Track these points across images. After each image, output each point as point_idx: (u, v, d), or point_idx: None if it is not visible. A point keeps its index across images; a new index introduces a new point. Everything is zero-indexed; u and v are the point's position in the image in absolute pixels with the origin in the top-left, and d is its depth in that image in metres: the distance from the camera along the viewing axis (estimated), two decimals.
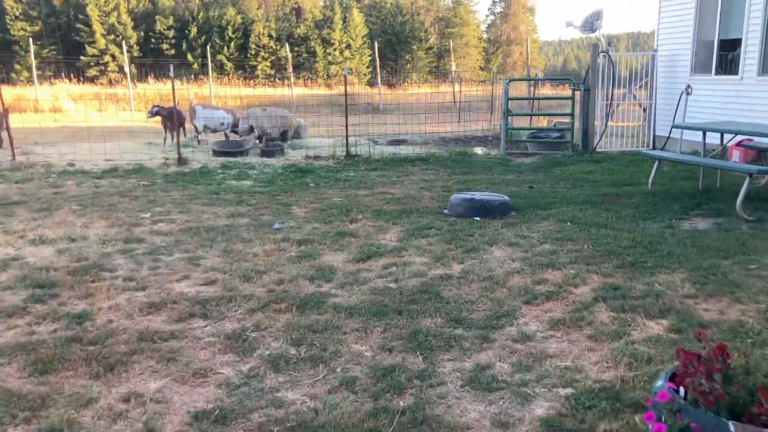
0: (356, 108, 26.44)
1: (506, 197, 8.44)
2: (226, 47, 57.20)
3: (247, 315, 5.10)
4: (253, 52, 57.62)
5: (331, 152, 13.17)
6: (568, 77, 14.84)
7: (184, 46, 57.81)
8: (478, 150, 14.78)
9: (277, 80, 45.27)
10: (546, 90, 25.64)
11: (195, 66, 55.56)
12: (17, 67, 52.46)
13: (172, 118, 14.25)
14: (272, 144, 13.84)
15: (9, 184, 10.50)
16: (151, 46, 58.59)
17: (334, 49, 58.02)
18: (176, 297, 5.47)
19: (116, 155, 13.11)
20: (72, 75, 47.43)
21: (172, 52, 58.46)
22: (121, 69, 52.31)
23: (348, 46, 58.84)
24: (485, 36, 72.07)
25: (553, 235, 7.09)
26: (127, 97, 27.93)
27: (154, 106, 14.78)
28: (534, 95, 17.62)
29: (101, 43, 55.09)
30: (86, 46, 54.93)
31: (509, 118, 14.28)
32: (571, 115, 13.78)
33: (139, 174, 11.48)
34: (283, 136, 14.66)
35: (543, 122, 18.47)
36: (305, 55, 58.54)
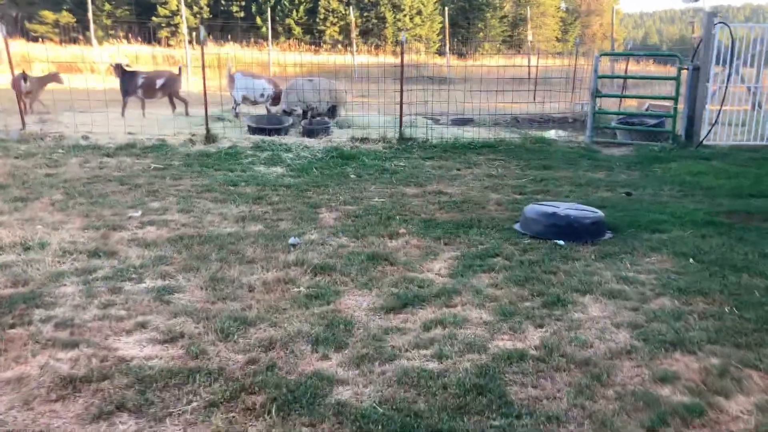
0: (420, 80, 24.26)
1: (599, 213, 6.24)
2: (294, 11, 55.48)
3: (201, 415, 3.20)
4: (321, 16, 55.71)
5: (383, 134, 11.09)
6: (674, 53, 12.22)
7: (254, 8, 56.37)
8: (557, 134, 12.46)
9: (340, 47, 43.25)
10: (633, 67, 22.76)
11: (264, 29, 54.11)
12: (93, 26, 52.19)
13: (151, 88, 12.49)
14: (317, 122, 11.87)
15: (5, 160, 8.91)
16: (221, 8, 57.45)
17: (404, 15, 55.43)
18: (111, 367, 3.62)
19: (142, 127, 11.42)
20: (142, 36, 46.70)
21: (242, 14, 57.17)
22: (191, 31, 51.33)
23: (419, 12, 56.12)
24: (563, 5, 67.87)
25: (672, 282, 4.90)
26: (185, 60, 26.46)
27: (117, 66, 13.05)
28: (624, 73, 15.01)
29: (173, 3, 54.22)
30: (158, 6, 54.20)
31: (597, 99, 11.83)
32: (675, 98, 11.25)
33: (157, 152, 9.74)
34: (332, 112, 12.65)
35: (631, 104, 15.81)
36: (374, 20, 56.21)
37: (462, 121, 13.80)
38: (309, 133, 11.42)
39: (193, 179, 8.13)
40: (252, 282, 4.86)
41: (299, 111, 12.03)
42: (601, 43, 60.53)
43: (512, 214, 6.83)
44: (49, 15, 51.05)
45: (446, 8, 36.56)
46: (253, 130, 11.20)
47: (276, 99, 12.75)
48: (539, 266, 5.23)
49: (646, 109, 13.35)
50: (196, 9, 54.73)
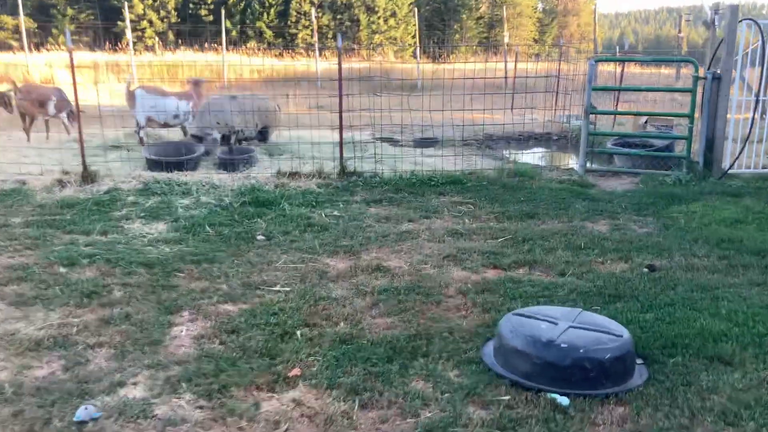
0: (389, 85, 21.60)
1: (624, 334, 3.63)
2: (265, 14, 52.63)
3: None
4: (293, 19, 52.89)
5: (319, 166, 8.39)
6: (689, 58, 9.58)
7: (223, 11, 53.44)
8: (540, 159, 9.89)
9: (309, 52, 40.42)
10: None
11: (234, 33, 51.27)
12: (54, 31, 49.07)
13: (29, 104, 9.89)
14: (239, 149, 9.19)
15: None
16: (189, 11, 54.45)
17: (378, 17, 52.78)
18: None
19: (26, 160, 8.68)
20: (108, 42, 43.69)
21: (210, 18, 54.22)
22: (159, 35, 48.50)
23: (393, 14, 53.50)
24: (540, 6, 65.57)
25: None
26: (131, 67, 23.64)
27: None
28: (619, 82, 12.45)
29: (138, 8, 51.18)
30: (122, 10, 51.13)
31: (591, 117, 9.23)
32: (690, 115, 8.69)
33: (2, 202, 6.99)
34: (263, 134, 9.93)
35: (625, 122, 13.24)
36: (348, 23, 53.52)
37: (425, 142, 11.19)
38: (226, 165, 8.73)
39: (13, 254, 5.42)
40: None
41: (215, 136, 9.32)
42: (579, 43, 58.32)
43: (481, 319, 4.23)
44: (8, 20, 47.81)
45: (418, 10, 33.94)
46: (151, 164, 8.47)
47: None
48: None
49: (644, 126, 10.82)
50: (163, 13, 51.69)
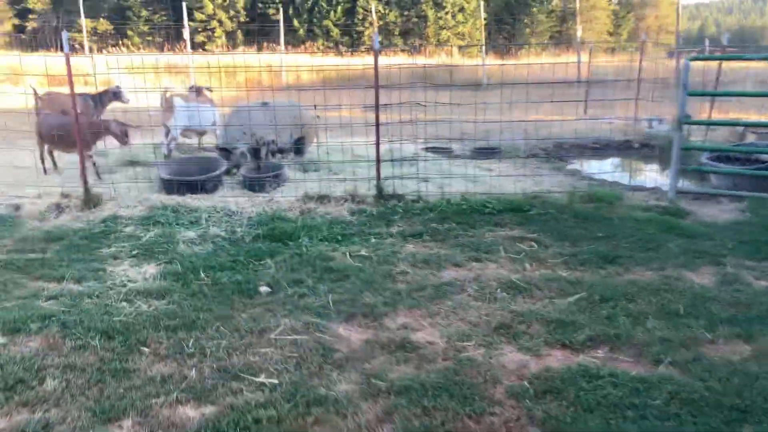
0: (452, 85, 20.09)
1: None
2: (332, 12, 51.78)
3: None
4: (360, 16, 51.81)
5: (353, 188, 7.04)
6: None
7: (291, 10, 52.93)
8: (619, 172, 8.26)
9: (355, 50, 39.08)
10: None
11: (301, 32, 50.71)
12: (129, 33, 49.77)
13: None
14: (267, 166, 7.92)
15: None
16: (258, 10, 54.21)
17: (446, 13, 51.03)
18: None
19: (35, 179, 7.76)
20: (176, 42, 43.89)
21: (279, 17, 53.87)
22: (228, 35, 48.49)
23: (461, 9, 51.63)
24: None
25: None
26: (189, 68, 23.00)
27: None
28: (714, 85, 10.56)
29: (209, 8, 51.30)
30: (194, 11, 51.36)
31: (685, 128, 7.48)
32: None
33: None
34: (298, 147, 8.65)
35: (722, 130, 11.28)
36: (415, 19, 52.02)
37: (484, 153, 9.69)
38: (251, 185, 7.52)
39: None
40: None
41: (242, 149, 8.10)
42: (656, 36, 54.86)
43: None
44: (87, 23, 48.79)
45: (486, 4, 32.11)
46: (166, 185, 7.33)
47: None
48: None
49: (742, 138, 8.95)
50: (233, 12, 51.73)
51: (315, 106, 7.75)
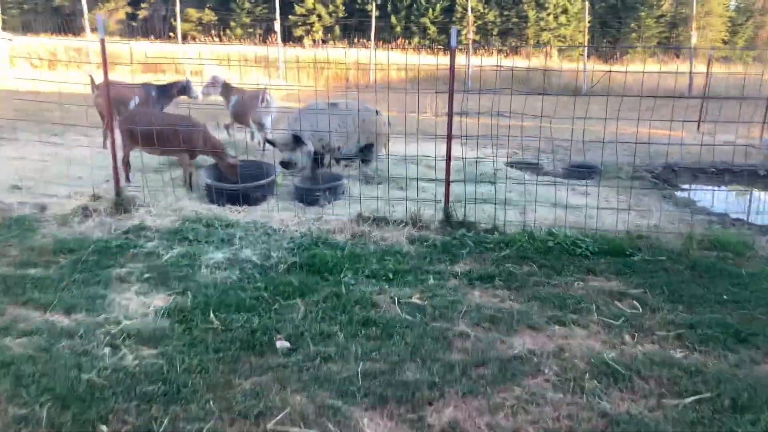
0: (549, 88, 18.48)
1: None
2: (431, 9, 50.59)
3: None
4: (459, 15, 50.34)
5: (416, 210, 5.86)
6: None
7: (389, 6, 52.18)
8: (742, 202, 6.69)
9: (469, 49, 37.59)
10: None
11: (398, 29, 49.85)
12: (232, 24, 50.57)
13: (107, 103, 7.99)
14: (326, 176, 6.87)
15: None
16: (357, 6, 53.79)
17: (548, 14, 48.69)
18: None
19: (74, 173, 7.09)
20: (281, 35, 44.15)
21: (377, 13, 53.26)
22: (327, 30, 48.40)
23: (564, 11, 49.12)
24: (733, 4, 57.39)
25: None
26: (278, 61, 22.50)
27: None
28: None
29: (309, 2, 51.34)
30: (294, 5, 51.56)
31: None
32: None
33: None
34: (364, 154, 7.55)
35: None
36: (515, 19, 49.98)
37: (581, 170, 8.28)
38: (304, 197, 6.51)
39: None
40: None
41: (310, 147, 6.97)
42: None
43: None
44: (193, 13, 50.03)
45: (591, 6, 30.02)
46: (212, 193, 6.40)
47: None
48: None
49: None
50: (332, 8, 51.57)
51: (377, 111, 6.66)
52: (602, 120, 5.61)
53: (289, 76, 20.20)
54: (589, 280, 4.81)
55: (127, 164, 6.95)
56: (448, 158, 5.65)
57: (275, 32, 24.47)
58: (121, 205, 5.85)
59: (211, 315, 3.97)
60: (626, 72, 5.54)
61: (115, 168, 6.04)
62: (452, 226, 5.65)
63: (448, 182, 5.74)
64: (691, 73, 19.37)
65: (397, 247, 5.30)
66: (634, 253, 5.24)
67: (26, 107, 8.85)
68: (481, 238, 5.45)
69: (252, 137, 9.32)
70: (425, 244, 5.37)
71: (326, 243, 5.28)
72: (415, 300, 4.33)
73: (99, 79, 8.34)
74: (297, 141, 6.77)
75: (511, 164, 8.40)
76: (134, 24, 46.80)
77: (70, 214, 5.76)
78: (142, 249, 5.05)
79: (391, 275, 4.71)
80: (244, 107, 8.90)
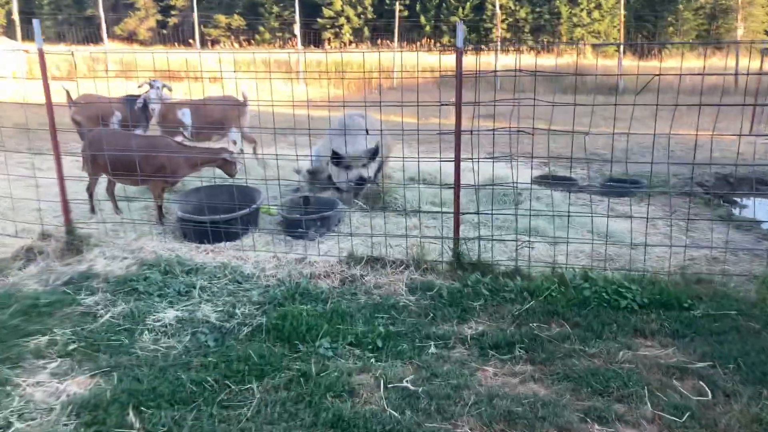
0: (583, 87, 17.14)
1: None
2: (460, 8, 49.25)
3: None
4: (489, 13, 48.87)
5: (419, 249, 4.75)
6: None
7: (418, 6, 51.02)
8: None
9: (500, 46, 36.06)
10: None
11: (427, 28, 48.68)
12: (261, 29, 50.03)
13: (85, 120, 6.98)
14: (321, 201, 5.82)
15: None
16: (386, 6, 52.77)
17: (581, 10, 46.88)
18: None
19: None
20: (310, 38, 43.28)
21: (406, 13, 52.10)
22: (355, 31, 47.55)
23: (598, 6, 47.24)
24: None
25: None
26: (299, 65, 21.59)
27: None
28: None
29: (337, 4, 50.50)
30: (323, 8, 50.79)
31: None
32: None
33: None
34: (360, 181, 6.36)
35: None
36: (546, 16, 48.30)
37: (619, 188, 7.07)
38: (293, 229, 5.47)
39: None
40: None
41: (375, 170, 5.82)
42: None
43: None
44: (222, 19, 49.62)
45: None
46: (186, 229, 5.39)
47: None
48: None
49: None
50: (360, 9, 50.62)
51: (367, 131, 5.59)
52: (644, 124, 4.44)
53: (310, 83, 19.25)
54: (639, 345, 3.66)
55: (92, 195, 6.01)
56: (457, 185, 4.54)
57: (295, 36, 23.53)
58: (73, 245, 4.90)
59: (131, 413, 2.95)
60: (680, 75, 4.35)
61: (64, 201, 5.08)
62: (463, 269, 4.54)
63: (457, 214, 4.63)
64: (737, 68, 17.87)
65: (393, 298, 4.22)
66: (693, 305, 4.05)
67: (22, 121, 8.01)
68: (498, 284, 4.32)
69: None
70: (429, 293, 4.27)
71: (306, 294, 4.23)
72: (407, 383, 3.24)
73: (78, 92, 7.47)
74: (374, 155, 5.82)
75: (540, 180, 7.24)
76: (164, 32, 46.53)
77: (11, 258, 4.82)
78: (78, 307, 4.06)
79: (380, 342, 3.63)
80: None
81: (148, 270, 4.54)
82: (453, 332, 3.80)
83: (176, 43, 36.50)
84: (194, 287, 4.31)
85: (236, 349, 3.55)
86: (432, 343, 3.67)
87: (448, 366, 3.43)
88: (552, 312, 4.02)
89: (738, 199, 7.40)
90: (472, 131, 4.40)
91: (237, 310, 4.03)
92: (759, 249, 5.31)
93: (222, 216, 5.30)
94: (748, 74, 11.91)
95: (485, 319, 3.98)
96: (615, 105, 4.37)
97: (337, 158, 5.85)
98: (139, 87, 8.03)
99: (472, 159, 4.44)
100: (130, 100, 7.83)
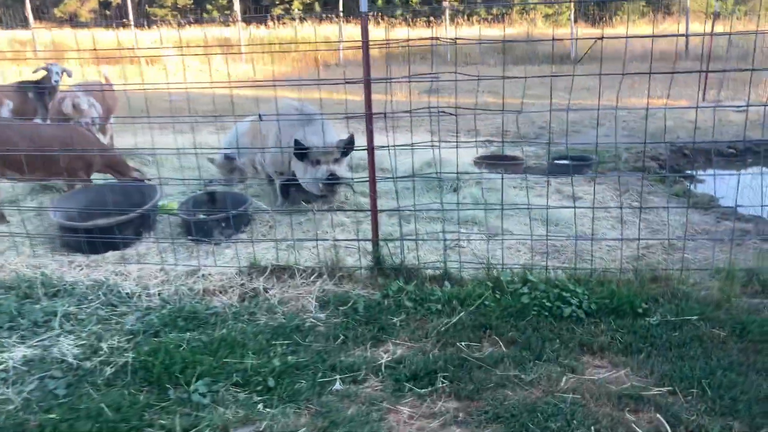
0: (534, 58, 16.50)
1: None
2: None
3: None
4: None
5: (335, 255, 4.04)
6: None
7: None
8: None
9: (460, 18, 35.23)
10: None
11: (379, 2, 47.40)
12: (209, 6, 48.09)
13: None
14: (230, 197, 5.05)
15: None
16: None
17: None
18: None
19: None
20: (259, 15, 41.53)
21: None
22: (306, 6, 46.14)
23: None
24: None
25: None
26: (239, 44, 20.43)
27: None
28: None
29: None
30: None
31: None
32: None
33: None
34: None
35: None
36: None
37: (567, 166, 6.45)
38: (194, 229, 4.70)
39: None
40: None
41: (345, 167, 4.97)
42: None
43: None
44: None
45: None
46: (66, 238, 4.56)
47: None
48: None
49: None
50: None
51: (260, 116, 4.81)
52: (595, 94, 3.76)
53: (255, 59, 18.19)
54: (585, 366, 3.02)
55: None
56: (372, 179, 3.80)
57: (235, 12, 22.31)
58: None
59: None
60: (627, 37, 3.68)
61: None
62: (385, 275, 3.83)
63: (374, 211, 3.90)
64: (687, 34, 17.49)
65: (300, 317, 3.50)
66: (648, 311, 3.43)
67: None
68: (424, 293, 3.63)
69: None
70: (342, 309, 3.56)
71: (192, 318, 3.48)
72: None
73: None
74: (350, 146, 4.87)
75: (481, 160, 6.56)
76: (108, 12, 44.41)
77: None
78: None
79: (272, 381, 2.91)
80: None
81: (2, 295, 3.73)
82: (365, 360, 3.10)
83: (121, 27, 34.72)
84: (56, 315, 3.52)
85: (89, 399, 2.80)
86: (338, 376, 2.97)
87: (353, 409, 2.74)
88: (484, 325, 3.35)
89: (694, 173, 6.86)
90: (385, 114, 3.66)
91: (103, 344, 3.26)
92: (716, 229, 4.74)
93: (98, 222, 4.48)
94: (702, 35, 11.44)
95: (405, 338, 3.30)
96: (551, 76, 3.68)
97: (300, 150, 4.83)
98: (34, 72, 7.07)
99: (388, 147, 3.71)
100: (25, 87, 6.89)
